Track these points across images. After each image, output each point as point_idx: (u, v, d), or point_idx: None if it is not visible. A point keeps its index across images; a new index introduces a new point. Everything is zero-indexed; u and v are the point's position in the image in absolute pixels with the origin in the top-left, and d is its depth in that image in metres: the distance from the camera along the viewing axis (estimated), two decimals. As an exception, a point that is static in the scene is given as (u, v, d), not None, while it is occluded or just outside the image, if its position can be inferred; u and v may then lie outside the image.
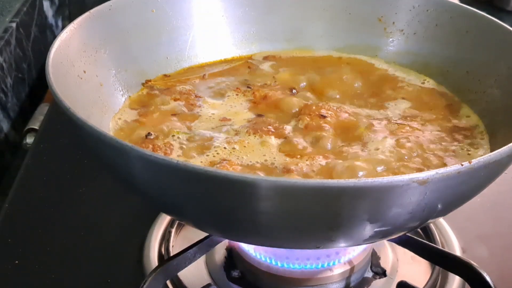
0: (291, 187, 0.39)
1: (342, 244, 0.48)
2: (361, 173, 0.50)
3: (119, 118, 0.59)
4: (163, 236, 0.66)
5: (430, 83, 0.66)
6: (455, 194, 0.44)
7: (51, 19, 1.11)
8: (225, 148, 0.54)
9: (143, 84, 0.64)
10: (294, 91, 0.64)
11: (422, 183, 0.39)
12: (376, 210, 0.41)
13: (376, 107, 0.62)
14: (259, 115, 0.59)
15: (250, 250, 0.59)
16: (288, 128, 0.57)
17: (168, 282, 0.60)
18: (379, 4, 0.70)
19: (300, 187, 0.39)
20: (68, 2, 1.21)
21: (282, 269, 0.58)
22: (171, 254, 0.61)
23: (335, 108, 0.60)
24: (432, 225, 0.66)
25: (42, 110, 0.92)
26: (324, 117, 0.58)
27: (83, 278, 0.62)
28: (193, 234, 0.61)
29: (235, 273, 0.61)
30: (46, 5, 1.09)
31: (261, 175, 0.50)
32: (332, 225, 0.43)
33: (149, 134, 0.55)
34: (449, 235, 0.67)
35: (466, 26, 0.64)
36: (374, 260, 0.63)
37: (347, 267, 0.59)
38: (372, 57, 0.70)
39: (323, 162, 0.52)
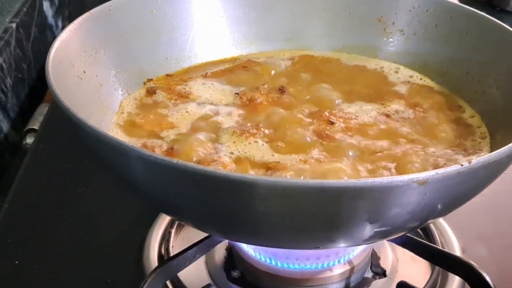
0: (291, 187, 0.39)
1: (342, 244, 0.48)
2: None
3: (120, 117, 0.59)
4: (163, 236, 0.66)
5: (429, 83, 0.66)
6: (455, 194, 0.44)
7: (51, 20, 1.11)
8: (216, 149, 0.54)
9: (145, 82, 0.64)
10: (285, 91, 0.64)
11: (421, 183, 0.39)
12: (376, 210, 0.41)
13: (376, 108, 0.62)
14: (249, 118, 0.59)
15: (250, 250, 0.59)
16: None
17: (168, 282, 0.60)
18: (379, 4, 0.70)
19: (300, 187, 0.39)
20: (68, 2, 1.21)
21: (282, 269, 0.58)
22: (171, 254, 0.61)
23: (341, 114, 0.59)
24: (432, 225, 0.66)
25: (42, 110, 0.92)
26: (333, 123, 0.57)
27: (83, 278, 0.62)
28: (193, 234, 0.61)
29: (235, 273, 0.61)
30: (46, 5, 1.09)
31: (259, 175, 0.50)
32: (331, 225, 0.43)
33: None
34: (449, 235, 0.67)
35: (465, 26, 0.64)
36: (374, 260, 0.63)
37: (347, 267, 0.59)
38: (371, 57, 0.70)
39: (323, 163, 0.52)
